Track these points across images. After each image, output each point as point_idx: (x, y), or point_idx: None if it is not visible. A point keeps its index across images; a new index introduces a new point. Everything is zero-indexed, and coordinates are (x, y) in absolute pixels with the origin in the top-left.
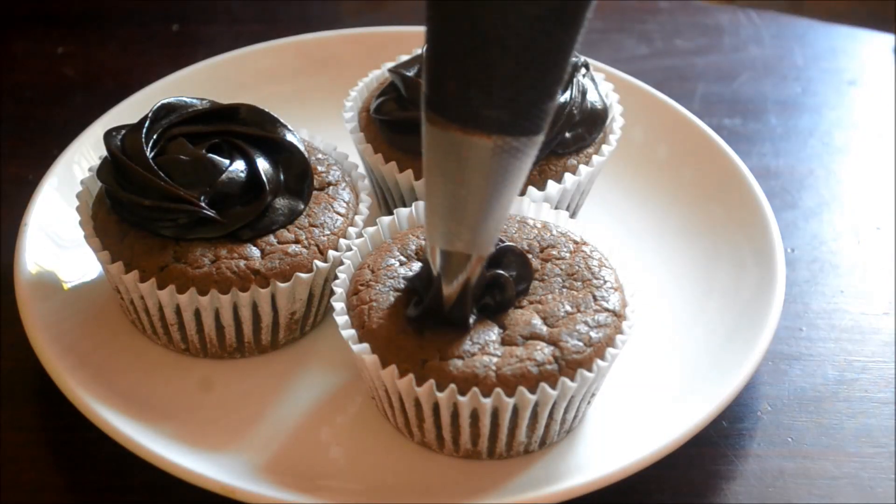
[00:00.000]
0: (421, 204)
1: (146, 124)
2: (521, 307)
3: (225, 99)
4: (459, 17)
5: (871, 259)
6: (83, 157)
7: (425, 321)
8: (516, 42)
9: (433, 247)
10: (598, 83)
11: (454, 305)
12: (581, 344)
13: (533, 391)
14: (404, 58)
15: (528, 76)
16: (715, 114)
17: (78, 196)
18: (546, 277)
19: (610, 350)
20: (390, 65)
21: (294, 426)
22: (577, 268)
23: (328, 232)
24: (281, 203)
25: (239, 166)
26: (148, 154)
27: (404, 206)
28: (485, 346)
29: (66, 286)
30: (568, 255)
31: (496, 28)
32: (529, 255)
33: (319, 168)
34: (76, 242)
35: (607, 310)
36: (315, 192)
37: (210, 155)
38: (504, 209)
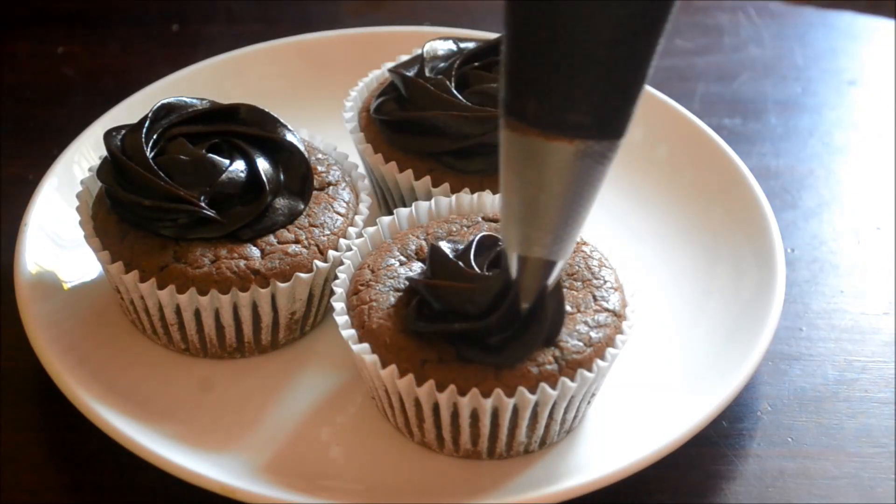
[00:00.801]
0: (421, 204)
1: (146, 124)
2: None
3: (225, 99)
4: (541, 21)
5: (871, 259)
6: (83, 157)
7: (501, 328)
8: (600, 45)
9: (510, 253)
10: None
11: (533, 311)
12: (581, 344)
13: (533, 391)
14: (404, 58)
15: (612, 80)
16: (715, 114)
17: (78, 196)
18: None
19: (610, 350)
20: (390, 65)
21: (294, 426)
22: (576, 268)
23: (328, 232)
24: (281, 203)
25: (239, 166)
26: (148, 154)
27: (404, 206)
28: None
29: (66, 286)
30: None
31: (580, 32)
32: None
33: (319, 168)
34: (76, 242)
35: (607, 310)
36: (315, 192)
37: (210, 155)
38: (585, 213)
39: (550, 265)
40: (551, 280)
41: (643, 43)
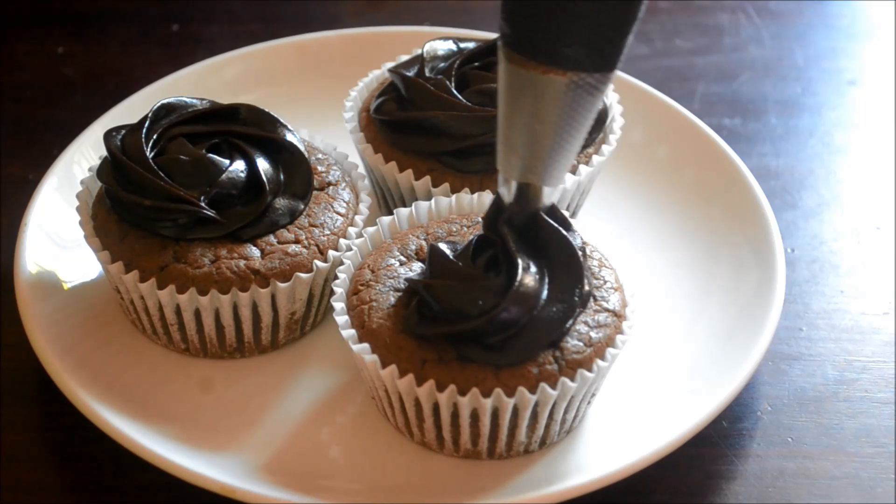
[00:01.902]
0: (422, 204)
1: (146, 124)
2: None
3: (225, 99)
4: None
5: (871, 259)
6: (83, 157)
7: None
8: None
9: (507, 179)
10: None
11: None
12: (581, 344)
13: (533, 391)
14: (404, 58)
15: (605, 14)
16: (715, 114)
17: (78, 196)
18: None
19: (610, 350)
20: (390, 65)
21: (294, 426)
22: None
23: (328, 232)
24: (281, 203)
25: (239, 166)
26: (148, 154)
27: (404, 206)
28: None
29: (66, 286)
30: None
31: None
32: None
33: (319, 168)
34: (76, 242)
35: (607, 310)
36: (315, 192)
37: (210, 155)
38: (577, 143)
39: (543, 191)
40: (542, 205)
41: None
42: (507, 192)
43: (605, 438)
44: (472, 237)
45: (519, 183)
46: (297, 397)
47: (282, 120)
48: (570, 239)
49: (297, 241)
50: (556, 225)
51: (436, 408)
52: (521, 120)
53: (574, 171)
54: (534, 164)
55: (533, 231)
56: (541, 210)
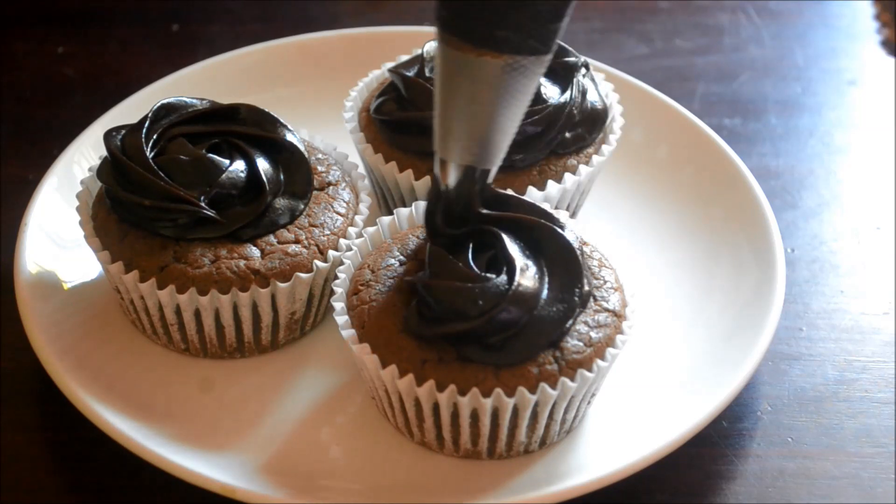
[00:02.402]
0: (421, 204)
1: (146, 124)
2: None
3: (225, 99)
4: None
5: (871, 259)
6: (83, 157)
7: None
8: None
9: (444, 161)
10: (598, 83)
11: (463, 211)
12: (581, 344)
13: (533, 391)
14: (404, 58)
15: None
16: (715, 114)
17: (78, 196)
18: None
19: (610, 350)
20: (390, 65)
21: (294, 426)
22: None
23: (328, 232)
24: (281, 203)
25: (239, 166)
26: (148, 154)
27: (404, 206)
28: None
29: (66, 286)
30: None
31: None
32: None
33: (319, 168)
34: (76, 242)
35: (607, 310)
36: (315, 192)
37: (210, 155)
38: (512, 125)
39: (481, 172)
40: (478, 187)
41: None
42: (443, 175)
43: (605, 438)
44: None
45: (456, 164)
46: (297, 397)
47: (282, 120)
48: (570, 239)
49: (297, 241)
50: (555, 226)
51: (436, 408)
52: (458, 102)
53: (574, 171)
54: (470, 146)
55: (532, 231)
56: (476, 192)
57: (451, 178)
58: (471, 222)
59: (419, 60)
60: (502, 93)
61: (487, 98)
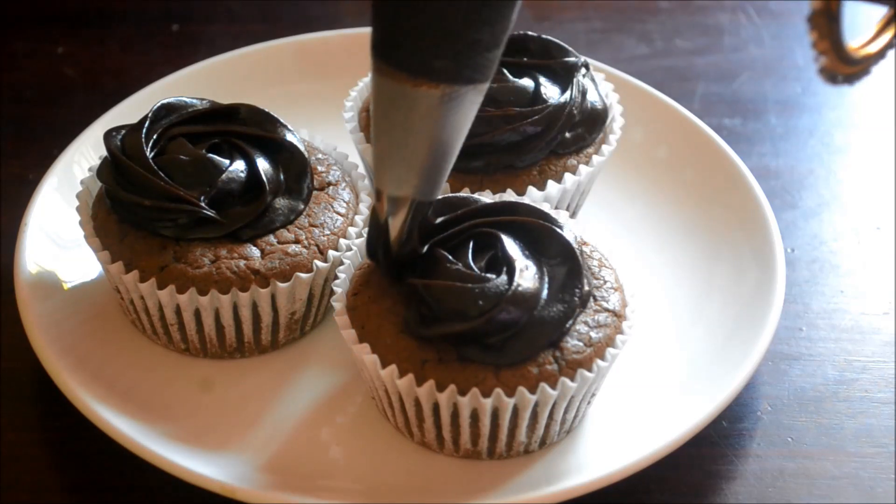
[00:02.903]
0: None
1: (146, 124)
2: None
3: (225, 99)
4: None
5: (871, 259)
6: (83, 157)
7: (394, 269)
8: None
9: (381, 192)
10: (598, 83)
11: (404, 244)
12: (581, 344)
13: (533, 391)
14: None
15: (476, 27)
16: (715, 114)
17: (78, 196)
18: None
19: (610, 350)
20: None
21: (294, 426)
22: None
23: (328, 232)
24: (281, 203)
25: (239, 166)
26: (148, 154)
27: None
28: None
29: (66, 286)
30: None
31: None
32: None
33: (319, 168)
34: (76, 242)
35: (607, 310)
36: (315, 192)
37: (210, 155)
38: (451, 155)
39: (419, 205)
40: (417, 216)
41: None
42: (380, 208)
43: (605, 438)
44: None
45: (393, 196)
46: (297, 397)
47: (282, 120)
48: (569, 239)
49: (297, 241)
50: (554, 226)
51: (436, 408)
52: (395, 133)
53: (574, 171)
54: (409, 177)
55: (532, 231)
56: (416, 225)
57: (390, 210)
58: (412, 256)
59: None
60: (441, 123)
61: (425, 129)
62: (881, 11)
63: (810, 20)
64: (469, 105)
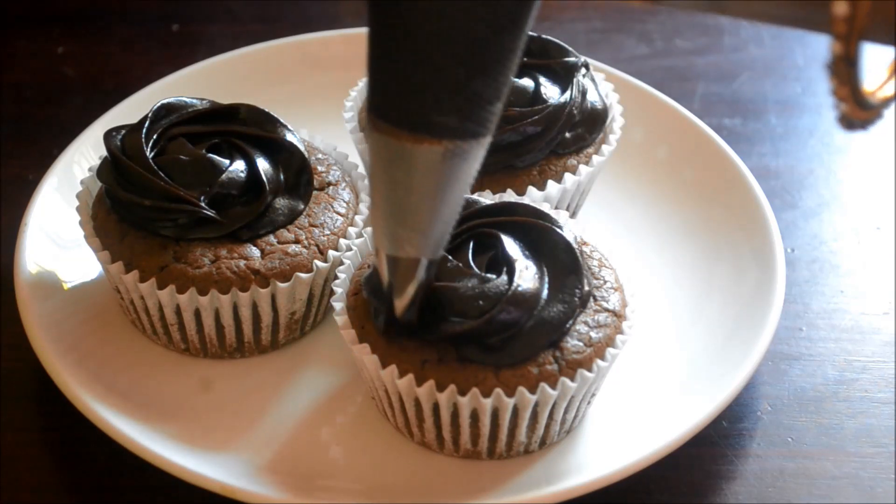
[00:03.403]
0: None
1: (146, 124)
2: None
3: (225, 99)
4: (404, 22)
5: (871, 259)
6: (83, 157)
7: (393, 329)
8: (464, 46)
9: (381, 253)
10: (598, 83)
11: (407, 310)
12: (581, 344)
13: (533, 391)
14: None
15: (477, 80)
16: (715, 114)
17: (78, 196)
18: None
19: (610, 350)
20: None
21: (294, 426)
22: None
23: (328, 232)
24: (281, 203)
25: (239, 166)
26: (148, 154)
27: None
28: None
29: (66, 286)
30: None
31: (441, 31)
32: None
33: (319, 168)
34: (76, 242)
35: (607, 310)
36: (315, 192)
37: (210, 155)
38: (454, 211)
39: (422, 263)
40: (423, 278)
41: (505, 42)
42: (381, 270)
43: (605, 438)
44: (470, 237)
45: (394, 256)
46: (297, 397)
47: (282, 120)
48: (569, 239)
49: (297, 241)
50: (554, 226)
51: (436, 408)
52: (396, 193)
53: (574, 171)
54: (411, 237)
55: (532, 231)
56: (421, 287)
57: (391, 271)
58: (411, 323)
59: None
60: (444, 180)
61: (427, 187)
62: (891, 53)
63: (830, 67)
64: (473, 160)
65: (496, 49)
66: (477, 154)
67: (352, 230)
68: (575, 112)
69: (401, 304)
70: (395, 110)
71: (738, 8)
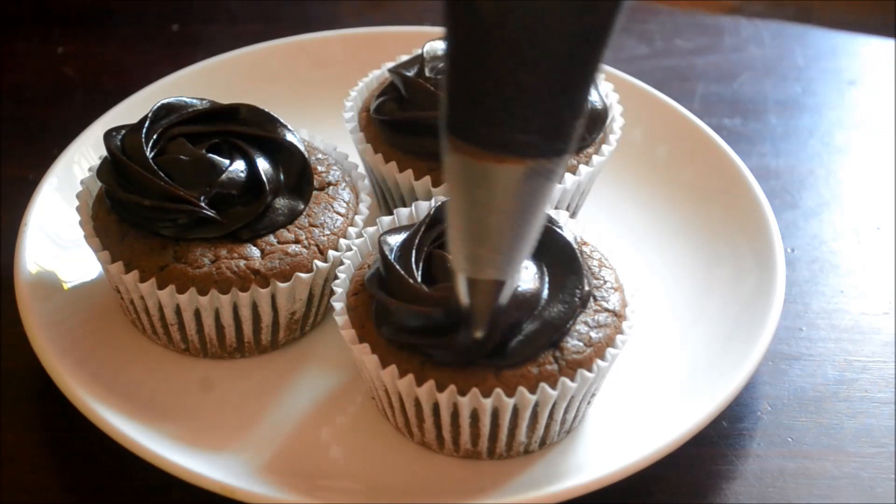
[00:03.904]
0: (422, 204)
1: (146, 124)
2: None
3: (225, 99)
4: (488, 39)
5: (871, 259)
6: (83, 157)
7: (473, 353)
8: (550, 63)
9: (460, 276)
10: (598, 83)
11: (490, 334)
12: (581, 344)
13: (533, 391)
14: (404, 58)
15: (562, 97)
16: (715, 114)
17: (78, 196)
18: None
19: (610, 350)
20: (390, 65)
21: (294, 426)
22: None
23: (328, 232)
24: (281, 203)
25: (239, 166)
26: (148, 154)
27: (404, 206)
28: None
29: (66, 286)
30: None
31: (528, 50)
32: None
33: (319, 168)
34: (76, 242)
35: (607, 310)
36: (315, 192)
37: (210, 155)
38: (535, 230)
39: (502, 285)
40: (502, 300)
41: (591, 56)
42: (462, 290)
43: (605, 438)
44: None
45: (474, 279)
46: (297, 397)
47: (282, 120)
48: (569, 239)
49: (297, 241)
50: (554, 226)
51: (436, 408)
52: (476, 212)
53: (574, 171)
54: (492, 258)
55: None
56: (499, 305)
57: (471, 293)
58: (485, 344)
59: (419, 60)
60: (525, 199)
61: (508, 206)
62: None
63: None
64: (555, 178)
65: (582, 64)
66: (559, 171)
67: (352, 230)
68: None
69: (479, 327)
70: (476, 130)
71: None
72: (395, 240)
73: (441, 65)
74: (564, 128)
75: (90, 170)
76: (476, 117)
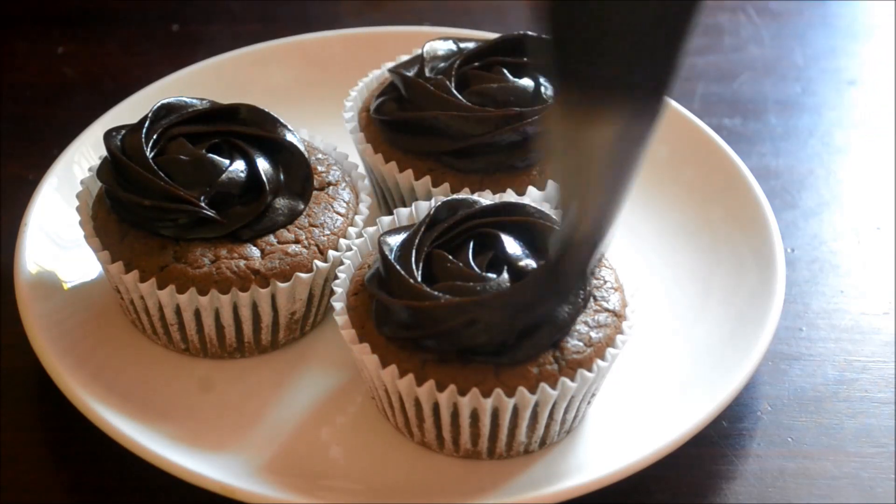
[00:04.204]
0: (422, 204)
1: (146, 124)
2: None
3: (225, 99)
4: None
5: (871, 259)
6: (83, 157)
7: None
8: (658, 12)
9: (559, 237)
10: None
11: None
12: (581, 344)
13: (533, 391)
14: (404, 58)
15: (675, 44)
16: (715, 114)
17: (78, 196)
18: None
19: (610, 350)
20: (390, 65)
21: (294, 426)
22: None
23: (328, 232)
24: (281, 203)
25: (239, 166)
26: (148, 154)
27: (404, 206)
28: None
29: (66, 286)
30: None
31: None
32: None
33: (319, 168)
34: (76, 242)
35: (607, 310)
36: (315, 192)
37: (210, 155)
38: (628, 188)
39: (597, 244)
40: (593, 263)
41: (693, 8)
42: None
43: (605, 438)
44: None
45: (570, 238)
46: (297, 397)
47: (282, 120)
48: None
49: (297, 241)
50: (554, 226)
51: (436, 408)
52: (578, 161)
53: None
54: (590, 212)
55: (532, 231)
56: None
57: (566, 251)
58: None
59: (419, 60)
60: (623, 149)
61: (609, 157)
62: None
63: None
64: (650, 129)
65: (686, 15)
66: (657, 123)
67: (352, 230)
68: None
69: (567, 288)
70: (582, 78)
71: None
72: (395, 240)
73: (441, 64)
74: (666, 78)
75: (90, 170)
76: (582, 66)
